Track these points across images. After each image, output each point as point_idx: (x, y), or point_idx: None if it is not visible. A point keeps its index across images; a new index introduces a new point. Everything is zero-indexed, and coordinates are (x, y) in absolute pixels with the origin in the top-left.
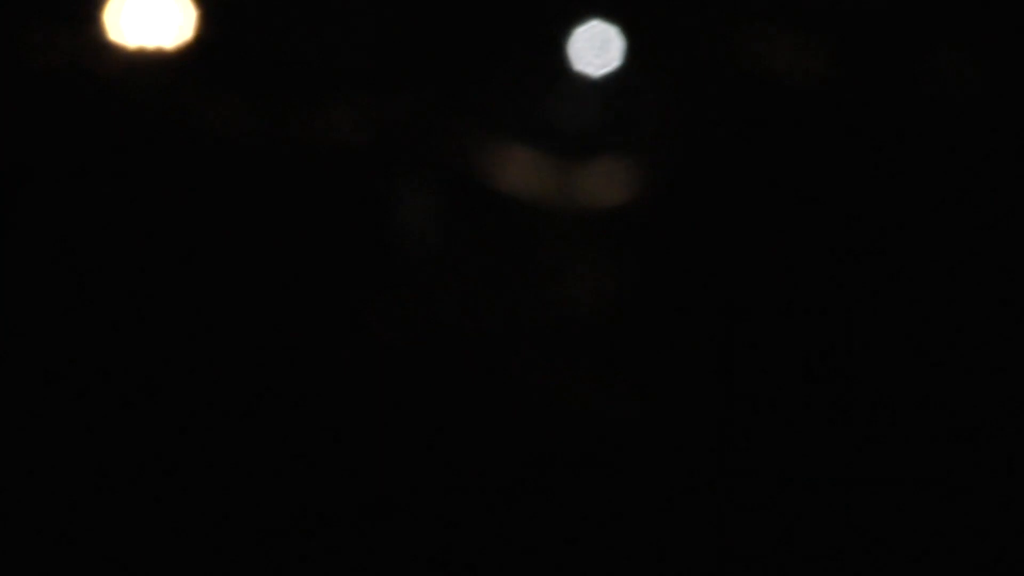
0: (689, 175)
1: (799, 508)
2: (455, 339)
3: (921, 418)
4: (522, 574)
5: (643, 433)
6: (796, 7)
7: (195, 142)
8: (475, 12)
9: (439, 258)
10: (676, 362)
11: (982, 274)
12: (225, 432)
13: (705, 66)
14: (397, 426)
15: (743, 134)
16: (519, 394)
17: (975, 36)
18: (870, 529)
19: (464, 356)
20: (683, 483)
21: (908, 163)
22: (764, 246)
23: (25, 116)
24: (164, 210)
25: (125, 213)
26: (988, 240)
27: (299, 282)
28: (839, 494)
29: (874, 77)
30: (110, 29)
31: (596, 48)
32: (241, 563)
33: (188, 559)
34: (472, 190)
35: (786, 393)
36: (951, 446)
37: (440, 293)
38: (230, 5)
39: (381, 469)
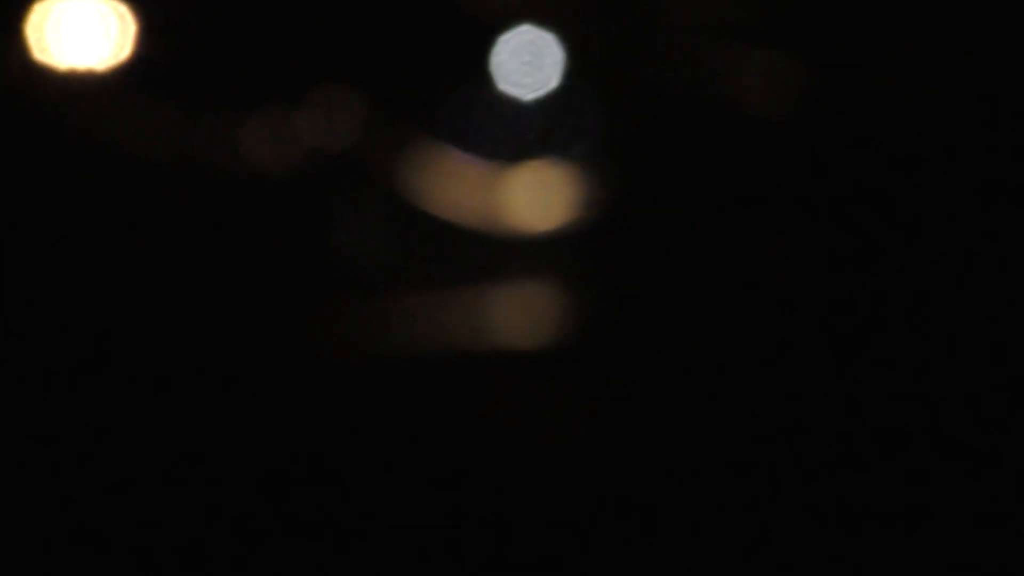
0: (631, 188)
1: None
2: (396, 356)
3: (916, 427)
4: None
5: (590, 450)
6: (742, 17)
7: (130, 161)
8: (416, 27)
9: (378, 273)
10: (620, 376)
11: (956, 280)
12: (166, 446)
13: (645, 79)
14: (338, 446)
15: (687, 147)
16: (458, 412)
17: (932, 44)
18: (869, 531)
19: (402, 372)
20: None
21: (861, 177)
22: (706, 258)
23: None
24: (103, 232)
25: (61, 238)
26: (962, 247)
27: (241, 298)
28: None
29: (820, 90)
30: (39, 49)
31: (532, 61)
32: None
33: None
34: (409, 206)
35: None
36: (951, 447)
37: (378, 309)
38: (161, 24)
39: (323, 484)
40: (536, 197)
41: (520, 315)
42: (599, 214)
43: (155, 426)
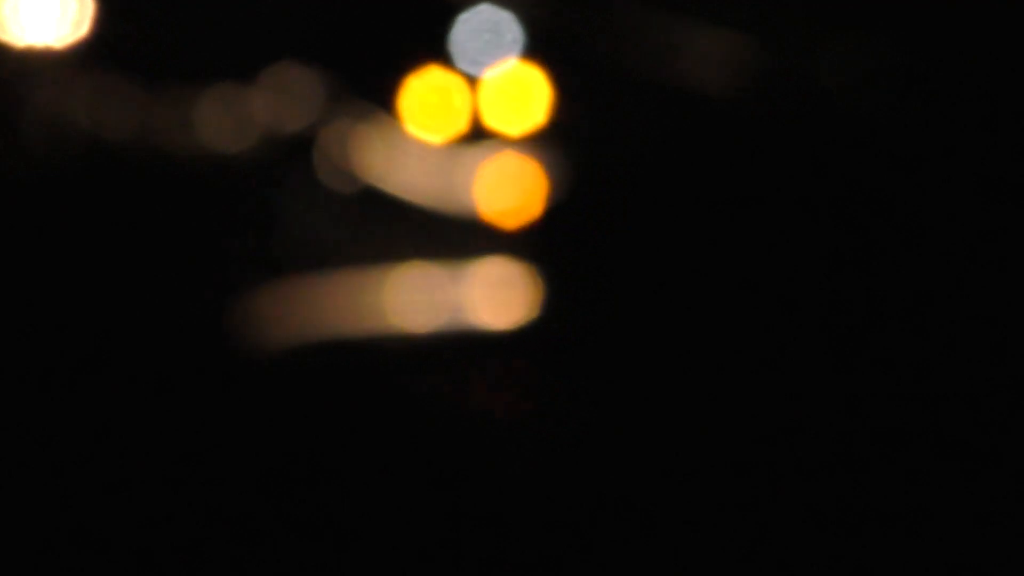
0: (589, 172)
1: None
2: (351, 334)
3: (913, 426)
4: None
5: (531, 437)
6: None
7: (85, 139)
8: (370, 9)
9: (333, 252)
10: (567, 363)
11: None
12: (125, 430)
13: (605, 60)
14: (295, 427)
15: (648, 130)
16: (404, 398)
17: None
18: (867, 531)
19: (359, 351)
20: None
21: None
22: (659, 243)
23: None
24: (60, 211)
25: (15, 213)
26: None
27: (195, 274)
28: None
29: (771, 74)
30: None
31: (487, 41)
32: None
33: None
34: (366, 185)
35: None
36: (951, 447)
37: (333, 287)
38: (120, 3)
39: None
40: (495, 175)
41: (480, 294)
42: (557, 195)
43: (111, 406)
